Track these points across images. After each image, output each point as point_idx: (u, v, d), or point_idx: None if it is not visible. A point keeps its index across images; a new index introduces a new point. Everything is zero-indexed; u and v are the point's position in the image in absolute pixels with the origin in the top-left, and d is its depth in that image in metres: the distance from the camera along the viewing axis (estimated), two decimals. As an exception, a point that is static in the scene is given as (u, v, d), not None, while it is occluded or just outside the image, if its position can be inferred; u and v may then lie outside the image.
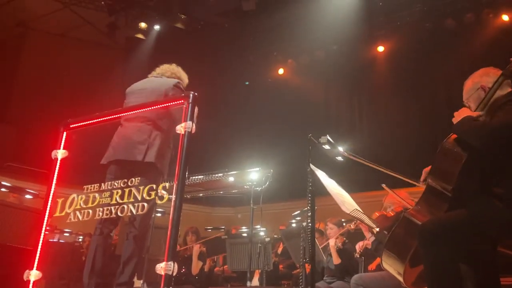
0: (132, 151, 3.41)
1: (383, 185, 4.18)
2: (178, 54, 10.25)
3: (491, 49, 8.15)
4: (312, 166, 3.29)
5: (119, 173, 3.37)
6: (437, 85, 9.60)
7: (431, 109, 9.53)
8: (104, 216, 2.38)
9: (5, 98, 10.58)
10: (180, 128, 2.27)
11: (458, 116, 2.58)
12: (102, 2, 9.76)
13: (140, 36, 10.01)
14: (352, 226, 5.52)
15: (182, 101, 2.37)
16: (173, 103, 2.55)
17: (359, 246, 5.16)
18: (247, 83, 11.57)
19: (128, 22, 10.08)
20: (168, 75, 3.92)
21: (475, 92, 2.69)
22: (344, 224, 5.72)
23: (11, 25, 10.54)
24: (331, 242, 5.46)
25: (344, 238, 5.55)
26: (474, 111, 2.63)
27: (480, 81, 2.70)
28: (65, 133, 2.70)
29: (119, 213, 2.32)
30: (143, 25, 9.88)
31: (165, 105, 2.74)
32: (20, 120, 10.34)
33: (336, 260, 5.35)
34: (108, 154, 3.54)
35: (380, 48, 9.81)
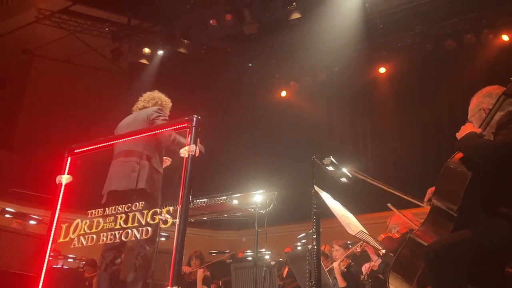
0: (125, 181, 3.54)
1: (389, 204, 4.16)
2: (181, 79, 10.38)
3: (492, 69, 8.19)
4: (316, 188, 3.28)
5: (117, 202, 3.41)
6: (439, 105, 9.63)
7: (434, 130, 9.54)
8: (108, 241, 2.37)
9: (10, 124, 10.66)
10: (184, 152, 2.28)
11: (463, 131, 2.58)
12: (106, 29, 9.91)
13: (144, 61, 10.13)
14: (358, 249, 5.47)
15: (186, 124, 2.39)
16: (177, 126, 2.57)
17: (365, 268, 5.09)
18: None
19: (132, 47, 10.22)
20: (150, 104, 4.10)
21: (477, 113, 2.72)
22: (350, 246, 5.66)
23: (17, 52, 10.69)
24: (335, 265, 5.40)
25: (350, 261, 5.49)
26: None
27: (482, 101, 2.72)
28: (69, 158, 2.71)
29: (123, 238, 2.31)
30: (146, 50, 10.01)
31: (169, 129, 2.75)
32: (24, 146, 10.39)
33: (341, 283, 5.29)
34: (105, 186, 3.67)
35: (382, 70, 9.86)
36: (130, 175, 3.53)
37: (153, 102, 4.12)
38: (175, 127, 2.62)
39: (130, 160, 3.63)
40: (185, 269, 6.52)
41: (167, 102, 4.25)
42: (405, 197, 3.64)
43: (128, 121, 3.99)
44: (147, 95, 4.21)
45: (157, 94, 4.22)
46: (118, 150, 3.72)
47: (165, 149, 3.87)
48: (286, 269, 6.96)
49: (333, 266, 5.48)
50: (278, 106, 11.26)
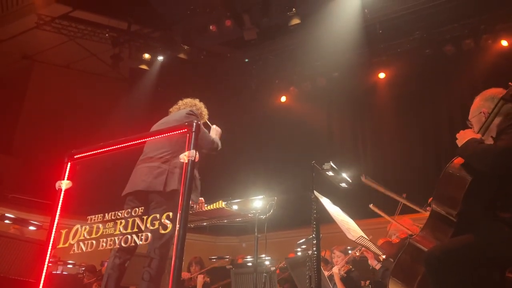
0: (151, 182, 3.43)
1: (371, 205, 4.18)
2: (181, 84, 10.39)
3: (491, 74, 8.21)
4: (316, 193, 3.28)
5: (138, 203, 3.35)
6: (438, 110, 9.64)
7: (433, 134, 9.54)
8: (108, 247, 2.36)
9: (10, 129, 10.67)
10: (184, 157, 2.28)
11: (461, 137, 2.58)
12: (106, 35, 9.93)
13: (144, 67, 10.13)
14: (357, 253, 5.46)
15: (186, 130, 2.39)
16: (177, 132, 2.57)
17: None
18: None
19: (132, 53, 10.23)
20: (185, 107, 4.04)
21: (477, 115, 2.73)
22: (350, 252, 5.65)
23: (17, 58, 10.72)
24: (335, 270, 5.39)
25: (350, 266, 5.48)
26: (477, 133, 2.64)
27: (483, 105, 2.73)
28: (69, 163, 2.71)
29: (122, 244, 2.31)
30: (146, 56, 10.02)
31: (167, 134, 2.75)
32: (24, 151, 10.39)
33: (341, 288, 5.27)
34: (126, 187, 3.55)
35: (381, 75, 9.87)
36: (158, 178, 3.43)
37: (194, 108, 4.08)
38: (174, 132, 2.62)
39: (157, 164, 3.52)
40: (185, 275, 6.50)
41: (205, 113, 4.23)
42: (408, 203, 3.65)
43: (165, 120, 3.91)
44: (188, 100, 4.15)
45: (198, 103, 4.18)
46: (144, 155, 3.63)
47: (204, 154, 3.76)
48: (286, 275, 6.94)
49: (332, 271, 5.47)
50: (278, 111, 11.26)
